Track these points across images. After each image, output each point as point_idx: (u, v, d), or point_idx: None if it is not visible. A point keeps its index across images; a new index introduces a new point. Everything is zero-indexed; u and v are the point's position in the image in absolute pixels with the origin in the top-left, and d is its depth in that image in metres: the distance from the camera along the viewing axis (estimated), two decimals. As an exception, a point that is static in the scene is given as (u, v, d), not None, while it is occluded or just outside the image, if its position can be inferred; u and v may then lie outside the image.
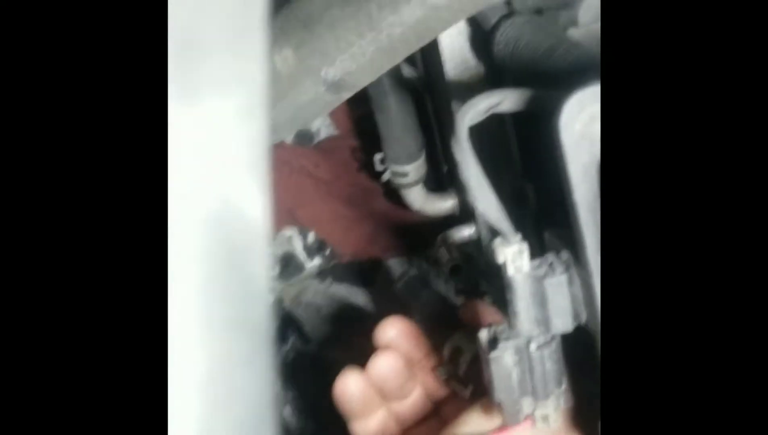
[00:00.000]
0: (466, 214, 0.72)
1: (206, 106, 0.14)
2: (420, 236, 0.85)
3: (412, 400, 0.54)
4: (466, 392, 0.50)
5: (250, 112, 0.15)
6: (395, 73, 0.64)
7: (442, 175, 0.75)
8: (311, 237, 0.90)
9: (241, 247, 0.15)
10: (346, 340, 0.87)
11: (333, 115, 0.85)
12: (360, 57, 0.43)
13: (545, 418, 0.37)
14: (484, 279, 0.61)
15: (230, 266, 0.14)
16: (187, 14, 0.14)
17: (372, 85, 0.64)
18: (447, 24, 0.42)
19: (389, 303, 0.92)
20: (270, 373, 0.15)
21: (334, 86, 0.46)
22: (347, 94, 0.47)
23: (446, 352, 0.52)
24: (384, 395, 0.52)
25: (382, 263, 0.91)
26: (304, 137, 0.87)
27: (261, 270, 0.15)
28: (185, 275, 0.14)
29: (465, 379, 0.51)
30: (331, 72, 0.44)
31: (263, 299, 0.15)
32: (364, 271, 0.92)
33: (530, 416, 0.37)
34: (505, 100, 0.37)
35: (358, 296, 0.92)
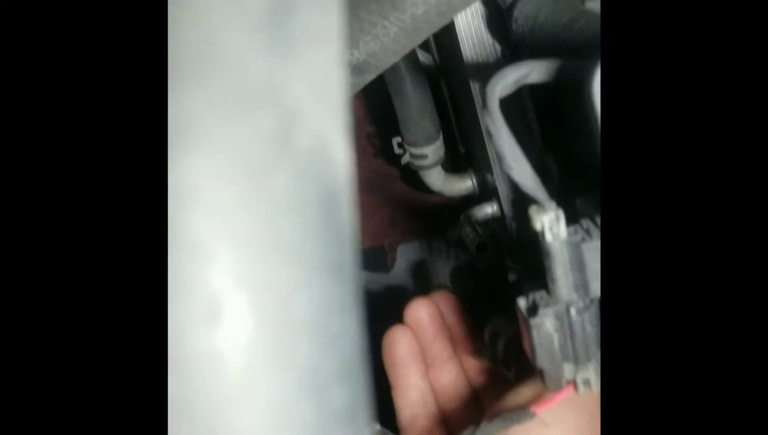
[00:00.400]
0: (485, 192, 0.72)
1: (296, 58, 0.15)
2: (439, 219, 0.85)
3: (451, 376, 0.55)
4: (510, 374, 0.51)
5: (335, 62, 0.16)
6: (411, 57, 0.64)
7: (460, 157, 0.76)
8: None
9: (332, 194, 0.15)
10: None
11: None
12: (384, 38, 0.44)
13: (587, 383, 0.38)
14: (509, 255, 0.62)
15: (325, 214, 0.15)
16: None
17: (388, 69, 0.65)
18: (468, 1, 0.42)
19: (407, 288, 0.93)
20: (363, 318, 0.16)
21: (358, 69, 0.46)
22: (371, 77, 0.48)
23: (486, 336, 0.53)
24: (424, 348, 0.53)
25: (402, 248, 0.91)
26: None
27: (350, 219, 0.16)
28: (287, 222, 0.15)
29: (506, 361, 0.52)
30: (356, 54, 0.45)
31: (353, 251, 0.16)
32: (384, 257, 0.93)
33: (571, 382, 0.38)
34: (534, 72, 0.37)
35: (378, 281, 0.93)
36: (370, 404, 0.16)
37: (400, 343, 0.55)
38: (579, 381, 0.38)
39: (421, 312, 0.56)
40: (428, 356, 0.55)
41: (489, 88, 0.36)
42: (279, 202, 0.15)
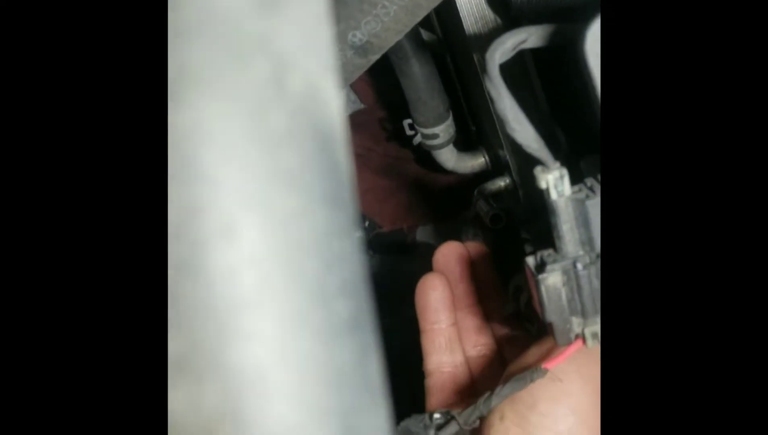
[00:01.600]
0: (498, 168, 0.73)
1: (285, 13, 0.17)
2: (456, 199, 0.86)
3: (475, 321, 0.56)
4: (533, 328, 0.52)
5: (321, 17, 0.17)
6: (416, 38, 0.65)
7: (471, 134, 0.77)
8: (349, 212, 0.92)
9: (326, 132, 0.17)
10: (396, 308, 0.89)
11: (358, 88, 0.87)
12: (384, 17, 0.45)
13: (595, 335, 0.39)
14: (521, 224, 0.63)
15: (320, 149, 0.17)
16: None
17: (394, 51, 0.66)
18: (464, -25, 0.43)
19: (431, 269, 0.94)
20: (361, 244, 0.18)
21: (362, 49, 0.47)
22: (374, 57, 0.49)
23: (510, 290, 0.54)
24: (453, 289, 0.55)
25: (421, 230, 0.93)
26: (331, 115, 0.89)
27: (344, 156, 0.17)
28: (286, 155, 0.16)
29: (528, 315, 0.53)
30: (358, 35, 0.46)
31: (349, 183, 0.18)
32: (404, 240, 0.94)
33: (580, 335, 0.39)
34: (531, 37, 0.38)
35: (401, 264, 0.94)
36: (372, 317, 0.18)
37: (433, 288, 0.57)
38: (587, 334, 0.39)
39: (450, 252, 0.58)
40: (453, 297, 0.57)
41: (488, 54, 0.37)
42: (277, 138, 0.16)
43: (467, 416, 0.42)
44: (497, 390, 0.42)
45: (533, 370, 0.41)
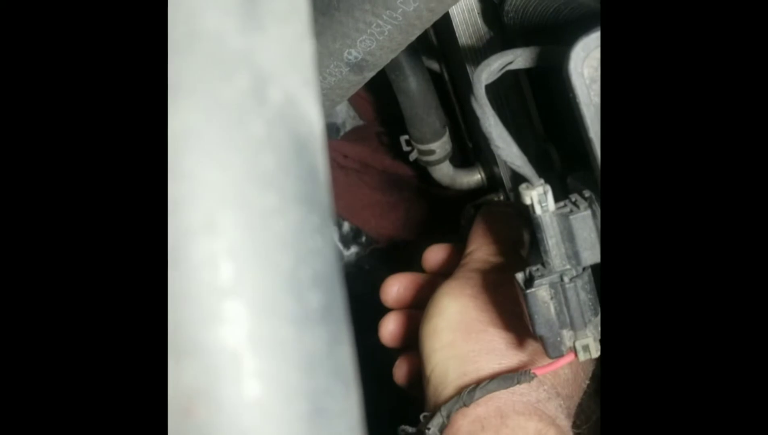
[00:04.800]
0: (494, 184, 0.75)
1: (266, 31, 0.18)
2: (453, 215, 0.87)
3: None
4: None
5: (302, 35, 0.19)
6: (413, 55, 0.67)
7: (468, 151, 0.78)
8: (346, 226, 0.93)
9: (303, 140, 0.18)
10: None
11: (357, 105, 0.88)
12: (379, 36, 0.46)
13: (586, 348, 0.40)
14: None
15: (297, 155, 0.18)
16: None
17: (391, 68, 0.67)
18: (457, -4, 0.45)
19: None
20: (334, 241, 0.19)
21: (357, 67, 0.49)
22: (370, 74, 0.50)
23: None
24: None
25: (418, 245, 0.93)
26: (330, 130, 0.90)
27: (321, 162, 0.19)
28: (265, 159, 0.18)
29: None
30: (354, 53, 0.47)
31: (326, 186, 0.19)
32: (401, 255, 0.95)
33: (571, 348, 0.40)
34: (518, 58, 0.40)
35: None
36: (345, 309, 0.20)
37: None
38: (578, 347, 0.40)
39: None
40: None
41: (475, 76, 0.38)
42: (256, 143, 0.18)
43: (450, 406, 0.43)
44: (483, 384, 0.43)
45: (521, 374, 0.42)
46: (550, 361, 0.42)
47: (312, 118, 0.19)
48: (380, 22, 0.45)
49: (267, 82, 0.18)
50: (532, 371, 0.42)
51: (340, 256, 0.88)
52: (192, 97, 0.17)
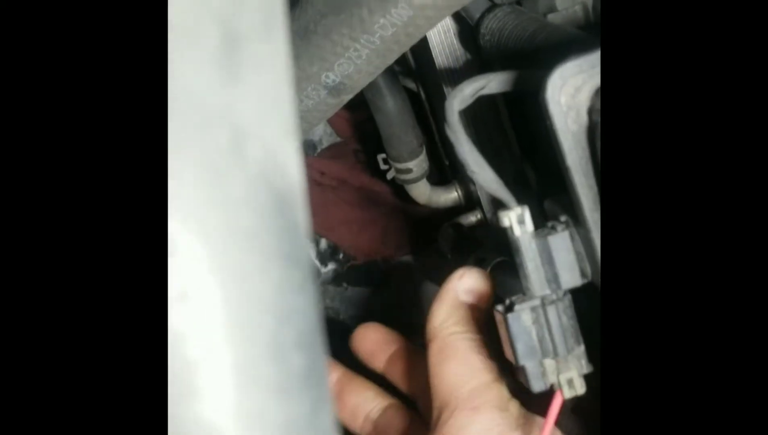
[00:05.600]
0: (471, 203, 0.75)
1: (245, 84, 0.18)
2: (430, 232, 0.87)
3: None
4: None
5: (282, 85, 0.18)
6: (391, 75, 0.67)
7: (445, 169, 0.78)
8: (323, 243, 0.93)
9: (284, 196, 0.18)
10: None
11: (334, 123, 0.88)
12: (357, 60, 0.46)
13: (570, 383, 0.39)
14: (486, 262, 0.64)
15: (279, 212, 0.18)
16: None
17: (368, 88, 0.67)
18: (434, 22, 0.45)
19: (405, 301, 0.95)
20: (318, 297, 0.19)
21: (335, 90, 0.49)
22: (347, 97, 0.50)
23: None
24: None
25: (395, 262, 0.93)
26: (307, 147, 0.90)
27: (302, 216, 0.19)
28: (245, 218, 0.18)
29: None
30: (331, 76, 0.47)
31: (306, 242, 0.19)
32: (378, 272, 0.95)
33: (556, 385, 0.39)
34: (491, 83, 0.40)
35: (374, 297, 0.95)
36: (325, 368, 0.19)
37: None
38: (563, 382, 0.39)
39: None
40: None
41: (447, 102, 0.38)
42: (235, 202, 0.18)
43: None
44: None
45: None
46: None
47: (292, 171, 0.19)
48: (358, 46, 0.45)
49: (245, 137, 0.18)
50: None
51: (321, 305, 0.87)
52: (173, 156, 0.17)
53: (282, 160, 0.18)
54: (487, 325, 0.46)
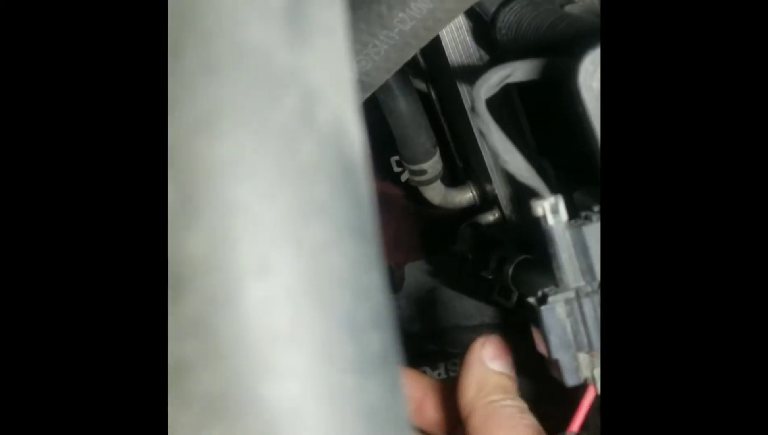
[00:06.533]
0: (486, 202, 0.74)
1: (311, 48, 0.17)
2: (444, 235, 0.86)
3: None
4: (509, 303, 0.51)
5: (344, 51, 0.18)
6: (401, 75, 0.66)
7: (458, 170, 0.77)
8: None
9: (351, 164, 0.17)
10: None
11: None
12: (375, 56, 0.46)
13: None
14: (508, 261, 0.63)
15: (346, 180, 0.17)
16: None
17: (380, 89, 0.67)
18: (454, 14, 0.44)
19: (421, 307, 0.94)
20: (386, 272, 0.18)
21: (353, 88, 0.48)
22: (366, 95, 0.50)
23: (492, 263, 0.54)
24: None
25: (409, 267, 0.92)
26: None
27: (367, 188, 0.18)
28: (316, 185, 0.17)
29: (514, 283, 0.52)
30: (350, 74, 0.47)
31: (374, 216, 0.18)
32: (392, 276, 0.94)
33: (589, 380, 0.38)
34: (517, 71, 0.39)
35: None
36: (399, 352, 0.18)
37: None
38: (596, 377, 0.38)
39: None
40: None
41: (475, 91, 0.38)
42: (307, 169, 0.17)
43: None
44: None
45: None
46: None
47: (357, 140, 0.18)
48: (376, 42, 0.45)
49: (316, 101, 0.17)
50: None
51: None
52: (238, 122, 0.16)
53: (348, 127, 0.17)
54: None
